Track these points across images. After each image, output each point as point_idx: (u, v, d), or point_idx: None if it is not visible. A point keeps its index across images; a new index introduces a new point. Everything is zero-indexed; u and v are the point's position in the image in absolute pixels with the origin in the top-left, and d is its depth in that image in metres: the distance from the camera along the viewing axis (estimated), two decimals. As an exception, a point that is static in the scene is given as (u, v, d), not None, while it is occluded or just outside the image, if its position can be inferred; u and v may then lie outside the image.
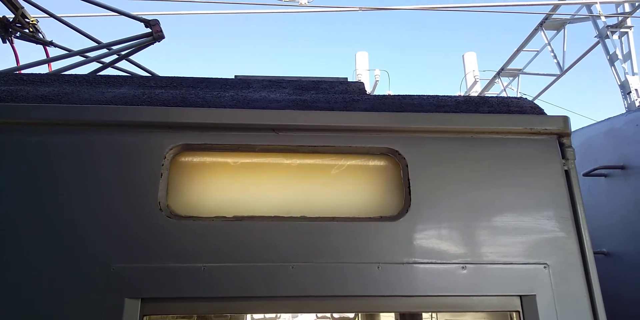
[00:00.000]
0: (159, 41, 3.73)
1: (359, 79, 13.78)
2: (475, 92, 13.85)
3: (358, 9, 7.89)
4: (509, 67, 12.83)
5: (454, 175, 1.95)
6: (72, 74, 2.45)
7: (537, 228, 1.90)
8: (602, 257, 3.10)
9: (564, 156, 2.02)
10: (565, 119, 2.07)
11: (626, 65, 9.67)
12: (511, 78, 13.21)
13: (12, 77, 2.30)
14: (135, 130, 1.90)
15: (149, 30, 3.68)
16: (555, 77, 11.64)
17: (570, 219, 1.93)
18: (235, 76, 2.70)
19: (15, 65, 4.49)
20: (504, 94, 13.25)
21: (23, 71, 3.64)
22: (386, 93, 13.70)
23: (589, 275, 1.85)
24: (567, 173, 2.00)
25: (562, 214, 1.93)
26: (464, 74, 14.33)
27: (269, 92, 2.26)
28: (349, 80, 2.60)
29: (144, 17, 3.80)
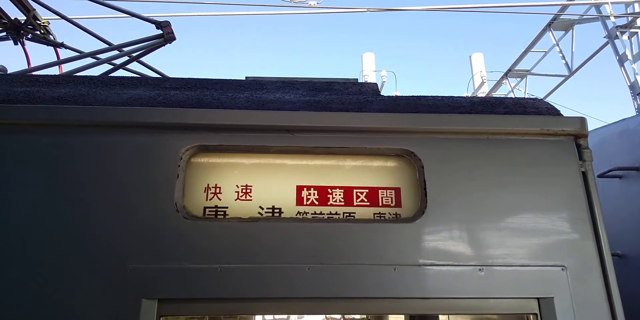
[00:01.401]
0: (170, 42, 3.74)
1: (366, 79, 13.78)
2: (482, 93, 13.79)
3: (366, 9, 7.89)
4: (517, 68, 12.76)
5: (469, 177, 1.94)
6: (86, 76, 2.46)
7: (555, 230, 1.88)
8: (617, 259, 3.07)
9: (581, 157, 2.00)
10: (582, 120, 2.05)
11: (636, 66, 9.58)
12: (519, 79, 13.14)
13: (27, 78, 2.31)
14: (152, 131, 1.90)
15: (160, 31, 3.69)
16: (563, 78, 11.56)
17: (587, 221, 1.91)
18: (246, 77, 2.71)
19: (26, 66, 4.54)
20: (511, 95, 13.19)
21: (35, 73, 3.67)
22: (393, 94, 13.70)
23: (607, 277, 1.83)
24: (584, 174, 1.98)
25: (579, 215, 1.92)
26: (472, 74, 14.28)
27: (283, 93, 2.26)
28: (358, 81, 2.60)
29: (155, 18, 3.81)
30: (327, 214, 1.92)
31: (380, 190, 1.98)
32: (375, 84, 2.51)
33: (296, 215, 1.89)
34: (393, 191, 1.99)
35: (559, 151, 2.01)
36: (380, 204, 1.96)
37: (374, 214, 1.94)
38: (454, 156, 1.97)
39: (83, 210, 1.78)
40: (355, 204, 1.96)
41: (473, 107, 2.14)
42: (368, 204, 1.96)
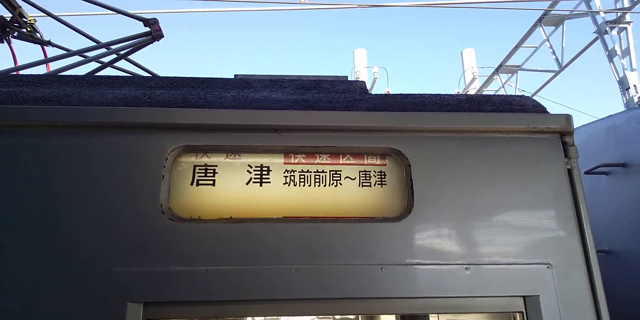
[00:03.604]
0: (158, 40, 3.70)
1: (358, 76, 13.77)
2: (474, 89, 13.84)
3: (356, 6, 7.87)
4: (508, 63, 12.82)
5: (456, 175, 1.94)
6: (71, 75, 2.43)
7: (540, 228, 1.90)
8: (604, 255, 3.10)
9: (566, 155, 2.01)
10: (567, 118, 2.06)
11: (625, 61, 9.66)
12: (510, 74, 13.20)
13: (11, 78, 2.28)
14: (136, 131, 1.89)
15: (147, 29, 3.66)
16: (554, 74, 11.63)
17: (573, 218, 1.92)
18: (235, 75, 2.69)
19: (12, 65, 4.48)
20: (502, 91, 13.24)
21: (22, 71, 3.63)
22: (385, 90, 13.70)
23: (592, 275, 1.85)
24: (569, 172, 1.99)
25: (564, 213, 1.93)
26: (463, 70, 14.31)
27: (271, 92, 2.25)
28: (348, 78, 2.59)
29: (142, 15, 3.77)
30: (314, 172, 1.96)
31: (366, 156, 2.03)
32: (364, 82, 2.50)
33: (282, 215, 1.88)
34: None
35: (544, 148, 2.02)
36: (366, 162, 2.01)
37: (360, 171, 1.99)
38: (441, 154, 1.98)
39: (67, 212, 1.76)
40: (341, 162, 1.99)
41: (460, 105, 2.14)
42: (354, 162, 1.99)
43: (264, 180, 1.94)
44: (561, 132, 2.04)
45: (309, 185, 1.95)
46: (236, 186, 1.92)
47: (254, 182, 1.94)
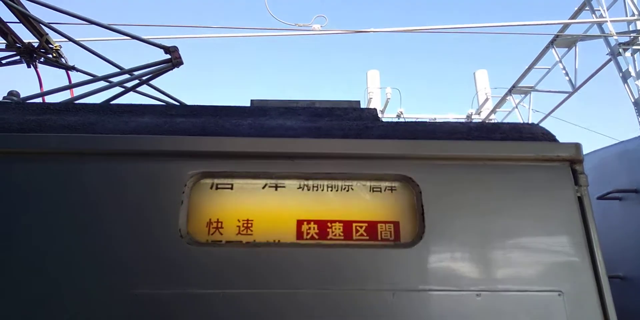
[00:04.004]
0: (178, 67, 3.84)
1: (371, 97, 13.89)
2: (487, 109, 13.86)
3: (370, 30, 8.03)
4: (521, 84, 12.84)
5: (467, 202, 1.98)
6: (96, 104, 2.55)
7: (551, 255, 1.91)
8: (619, 281, 3.08)
9: (576, 182, 2.04)
10: (577, 146, 2.09)
11: (639, 83, 9.62)
12: (523, 95, 13.21)
13: (39, 106, 2.40)
14: (158, 158, 1.97)
15: (168, 56, 3.80)
16: (567, 95, 11.61)
17: (584, 246, 1.94)
18: (252, 101, 2.79)
19: (38, 88, 4.68)
20: (515, 111, 13.24)
21: (48, 96, 3.80)
22: (398, 111, 13.73)
23: (604, 302, 1.85)
24: (580, 199, 2.02)
25: (575, 240, 1.94)
26: (476, 91, 14.36)
27: (285, 120, 2.33)
28: (361, 100, 2.66)
29: (162, 43, 3.93)
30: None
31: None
32: (375, 110, 2.58)
33: (296, 240, 1.93)
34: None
35: (554, 176, 2.05)
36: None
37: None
38: (452, 182, 2.02)
39: (90, 236, 1.84)
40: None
41: (470, 133, 2.19)
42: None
43: (278, 185, 2.03)
44: (571, 160, 2.07)
45: (322, 190, 2.03)
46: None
47: (269, 187, 2.02)
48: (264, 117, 2.38)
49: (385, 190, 2.05)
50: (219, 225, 1.94)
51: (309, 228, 1.96)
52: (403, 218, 2.00)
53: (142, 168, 1.96)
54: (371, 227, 1.98)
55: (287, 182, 2.03)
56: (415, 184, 2.02)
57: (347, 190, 2.05)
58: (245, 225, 1.94)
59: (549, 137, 2.18)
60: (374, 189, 2.05)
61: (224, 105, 2.46)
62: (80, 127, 2.11)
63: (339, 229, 1.97)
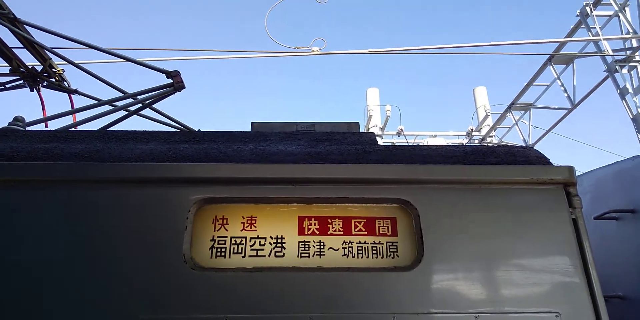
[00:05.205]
0: (180, 91, 3.93)
1: (370, 114, 14.01)
2: (487, 126, 13.95)
3: (367, 51, 8.18)
4: (520, 101, 12.96)
5: (464, 225, 2.03)
6: (102, 131, 2.62)
7: (548, 276, 1.95)
8: (618, 301, 3.08)
9: (570, 205, 2.08)
10: (570, 169, 2.14)
11: (637, 99, 9.71)
12: (522, 111, 13.31)
13: (46, 134, 2.47)
14: (162, 185, 2.03)
15: (170, 80, 3.89)
16: (566, 111, 11.71)
17: (579, 267, 1.97)
18: (252, 123, 2.86)
19: (40, 112, 4.77)
20: (515, 128, 13.31)
21: (51, 121, 3.87)
22: (398, 128, 13.80)
23: None
24: (574, 221, 2.06)
25: (571, 262, 1.98)
26: (475, 108, 14.48)
27: (286, 145, 2.40)
28: (361, 117, 2.74)
29: (164, 65, 4.02)
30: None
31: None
32: (373, 134, 2.65)
33: (297, 265, 1.96)
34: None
35: (549, 199, 2.09)
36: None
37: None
38: (449, 205, 2.07)
39: (96, 261, 1.88)
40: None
41: (465, 157, 2.25)
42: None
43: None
44: (564, 183, 2.12)
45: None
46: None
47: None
48: (265, 142, 2.44)
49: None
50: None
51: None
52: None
53: (148, 194, 2.01)
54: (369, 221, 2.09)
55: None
56: (413, 207, 2.06)
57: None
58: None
59: (542, 160, 2.23)
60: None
61: (226, 131, 2.53)
62: (87, 155, 2.17)
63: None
